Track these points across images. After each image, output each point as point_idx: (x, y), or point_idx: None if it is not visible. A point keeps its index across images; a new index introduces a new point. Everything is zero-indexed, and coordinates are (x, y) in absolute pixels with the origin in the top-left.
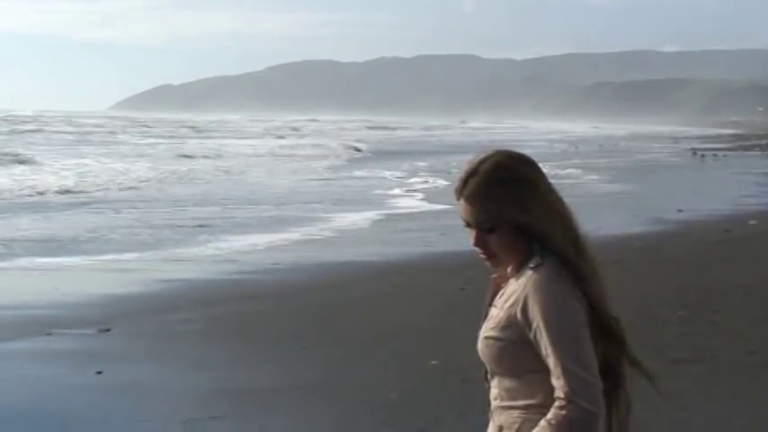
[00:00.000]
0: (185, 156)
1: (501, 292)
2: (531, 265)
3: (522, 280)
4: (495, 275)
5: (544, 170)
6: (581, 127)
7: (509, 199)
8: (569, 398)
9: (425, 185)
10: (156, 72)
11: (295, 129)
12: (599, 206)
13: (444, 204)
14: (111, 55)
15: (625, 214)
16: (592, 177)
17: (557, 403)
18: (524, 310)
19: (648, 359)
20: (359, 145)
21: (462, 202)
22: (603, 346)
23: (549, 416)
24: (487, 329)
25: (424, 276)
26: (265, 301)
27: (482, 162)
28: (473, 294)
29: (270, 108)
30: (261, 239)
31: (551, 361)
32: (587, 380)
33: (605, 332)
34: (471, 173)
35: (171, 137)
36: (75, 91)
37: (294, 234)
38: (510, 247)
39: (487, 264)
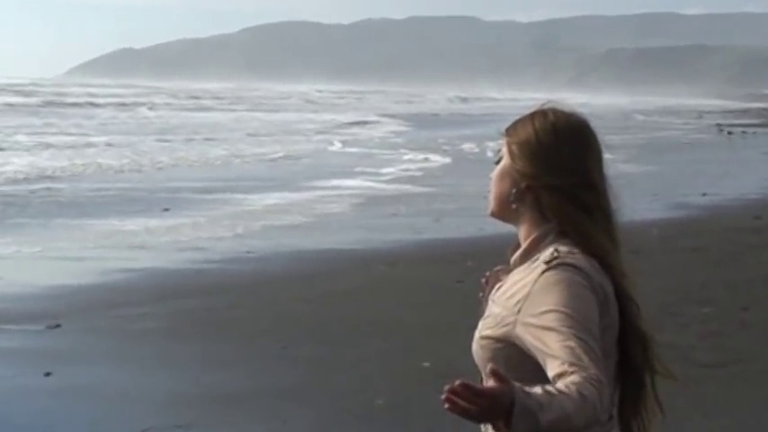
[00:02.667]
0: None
1: (500, 285)
2: (546, 260)
3: (531, 276)
4: (497, 268)
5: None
6: (593, 99)
7: (527, 141)
8: (578, 366)
9: (416, 164)
10: (116, 34)
11: (310, 101)
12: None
13: (437, 186)
14: (62, 14)
15: (643, 198)
16: (605, 156)
17: (560, 371)
18: (528, 307)
19: (669, 362)
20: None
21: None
22: (629, 346)
23: (551, 387)
24: (484, 328)
25: (416, 267)
26: (236, 294)
27: (541, 111)
28: (471, 288)
29: (247, 76)
30: (231, 223)
31: (548, 344)
32: (595, 358)
33: (632, 330)
34: (528, 118)
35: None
36: (20, 56)
37: (268, 218)
38: (501, 195)
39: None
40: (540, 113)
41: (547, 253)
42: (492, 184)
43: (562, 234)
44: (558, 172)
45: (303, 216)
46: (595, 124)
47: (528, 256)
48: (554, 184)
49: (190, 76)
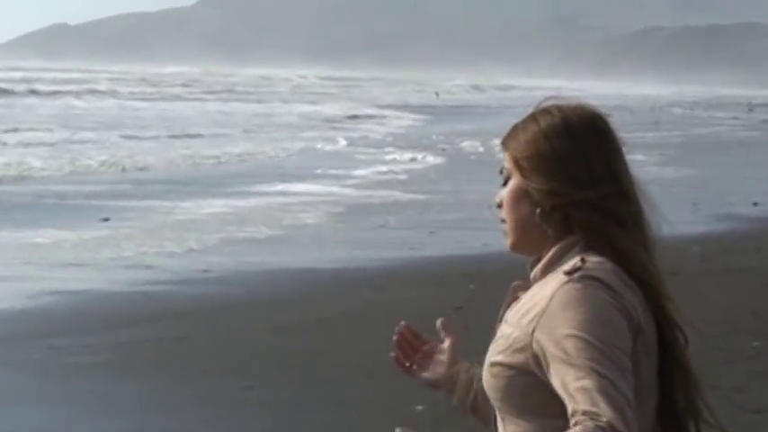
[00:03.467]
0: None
1: (515, 303)
2: (566, 269)
3: (549, 288)
4: (516, 283)
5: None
6: (622, 88)
7: (538, 151)
8: (591, 414)
9: (405, 165)
10: (47, 8)
11: (297, 88)
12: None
13: (432, 192)
14: None
15: (682, 208)
16: (636, 158)
17: (572, 421)
18: (543, 326)
19: (714, 407)
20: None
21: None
22: (672, 386)
23: None
24: (494, 353)
25: (408, 290)
26: (191, 322)
27: (547, 110)
28: (473, 316)
29: (207, 57)
30: (185, 235)
31: (565, 382)
32: (618, 401)
33: (677, 366)
34: (532, 117)
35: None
36: None
37: (228, 230)
38: (521, 220)
39: (506, 241)
40: (544, 113)
41: (571, 263)
42: (505, 212)
43: (591, 246)
44: (586, 182)
45: (270, 228)
46: (625, 120)
47: (550, 268)
48: (584, 198)
49: (138, 58)
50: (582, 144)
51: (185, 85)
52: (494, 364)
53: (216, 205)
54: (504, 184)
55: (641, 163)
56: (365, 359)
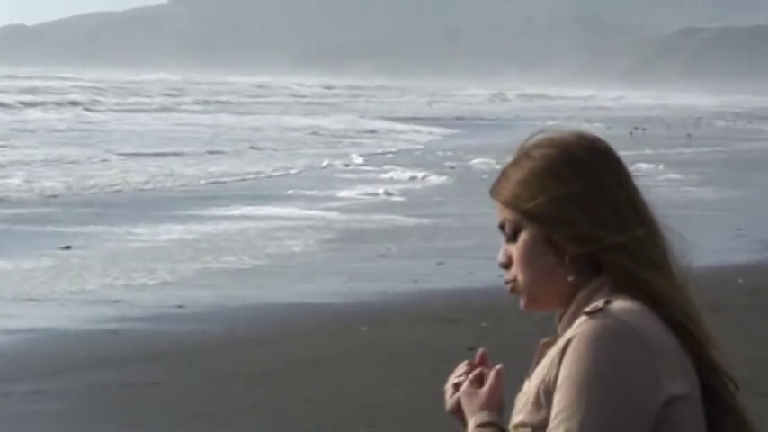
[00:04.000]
0: None
1: (542, 361)
2: (588, 309)
3: (568, 333)
4: (544, 340)
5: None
6: (657, 98)
7: (552, 195)
8: None
9: (406, 184)
10: (1, 7)
11: (298, 98)
12: (683, 222)
13: (438, 216)
14: None
15: (723, 235)
16: (671, 177)
17: None
18: (556, 375)
19: None
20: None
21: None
22: None
23: None
24: (517, 412)
25: (413, 328)
26: (164, 364)
27: (534, 143)
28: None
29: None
30: (156, 265)
31: None
32: None
33: (731, 418)
34: (519, 156)
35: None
36: None
37: (206, 259)
38: (544, 273)
39: (520, 300)
40: (539, 150)
41: (593, 304)
42: (519, 269)
43: (621, 288)
44: (614, 223)
45: (254, 257)
46: (659, 134)
47: (577, 315)
48: (617, 243)
49: (103, 64)
50: (596, 179)
51: (169, 95)
52: (517, 426)
53: (192, 231)
54: (512, 238)
55: (677, 183)
56: (365, 408)
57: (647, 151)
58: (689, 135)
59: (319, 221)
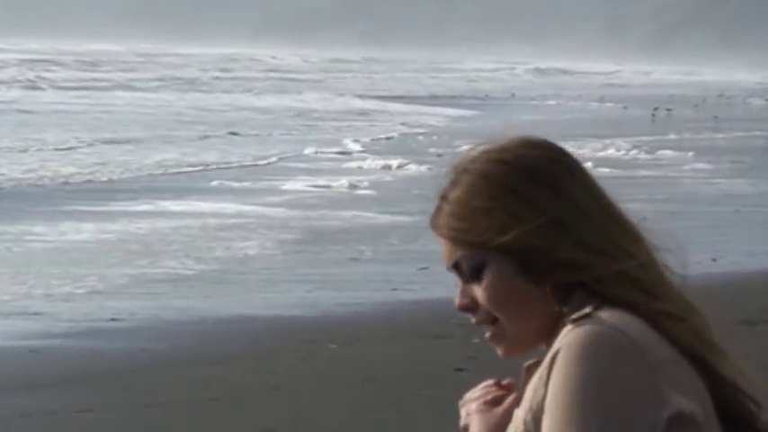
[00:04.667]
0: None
1: (528, 386)
2: (574, 317)
3: (555, 347)
4: (528, 363)
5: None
6: (682, 73)
7: (523, 220)
8: None
9: (379, 175)
10: None
11: (276, 72)
12: (713, 220)
13: (419, 213)
14: None
15: (761, 234)
16: (699, 167)
17: None
18: (546, 390)
19: None
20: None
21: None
22: None
23: None
24: None
25: (391, 347)
26: (96, 388)
27: (474, 159)
28: (479, 378)
29: (126, 31)
30: (83, 271)
31: None
32: None
33: None
34: (456, 175)
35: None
36: None
37: (141, 263)
38: (525, 309)
39: (494, 344)
40: (489, 164)
41: (580, 311)
42: (496, 309)
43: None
44: (600, 243)
45: (199, 261)
46: (685, 116)
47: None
48: (608, 271)
49: (29, 31)
50: (562, 191)
51: (121, 70)
52: None
53: (125, 230)
54: (474, 278)
55: (707, 174)
56: None
57: (672, 136)
58: (716, 117)
59: (277, 219)
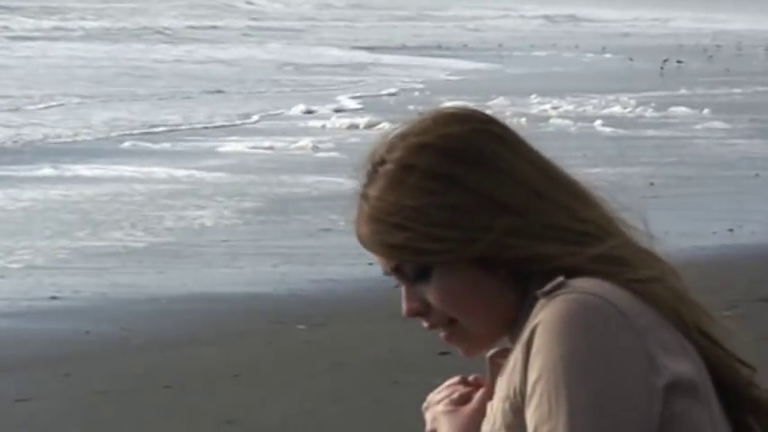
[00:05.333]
0: None
1: (501, 374)
2: (545, 290)
3: (530, 323)
4: (492, 353)
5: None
6: (701, 20)
7: (459, 209)
8: None
9: (346, 136)
10: None
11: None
12: (730, 186)
13: None
14: None
15: None
16: (714, 126)
17: None
18: (527, 374)
19: None
20: None
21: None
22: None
23: None
24: None
25: (366, 327)
26: (32, 376)
27: (391, 146)
28: (464, 365)
29: None
30: (19, 244)
31: None
32: None
33: (749, 405)
34: (373, 168)
35: None
36: None
37: (85, 234)
38: (483, 301)
39: (453, 344)
40: (410, 149)
41: (551, 283)
42: (450, 312)
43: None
44: (554, 218)
45: (150, 232)
46: (696, 70)
47: (515, 325)
48: (593, 255)
49: None
50: (502, 164)
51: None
52: None
53: (58, 197)
54: (420, 279)
55: (723, 134)
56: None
57: (683, 91)
58: (727, 70)
59: (237, 184)
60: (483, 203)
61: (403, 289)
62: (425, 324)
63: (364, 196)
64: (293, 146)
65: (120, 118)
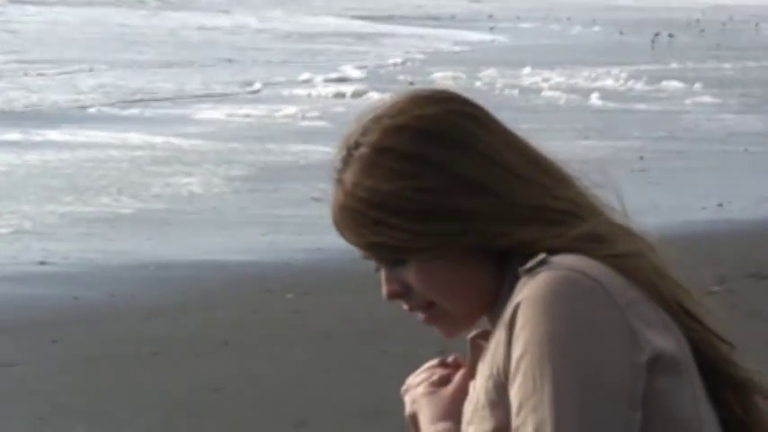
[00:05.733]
0: None
1: (483, 355)
2: (527, 267)
3: (513, 299)
4: (473, 334)
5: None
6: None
7: (435, 192)
8: None
9: (332, 104)
10: None
11: None
12: (719, 161)
13: None
14: None
15: None
16: (704, 101)
17: None
18: (510, 351)
19: None
20: None
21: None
22: (727, 405)
23: None
24: (466, 425)
25: (358, 297)
26: (20, 341)
27: (365, 129)
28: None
29: None
30: (6, 207)
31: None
32: None
33: (727, 382)
34: (347, 153)
35: None
36: None
37: (71, 199)
38: (458, 284)
39: (432, 325)
40: (385, 133)
41: (532, 261)
42: (430, 295)
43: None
44: (534, 199)
45: (137, 198)
46: (689, 43)
47: (495, 305)
48: (574, 236)
49: None
50: (476, 145)
51: None
52: None
53: (42, 161)
54: (399, 262)
55: (713, 109)
56: (291, 401)
57: (674, 65)
58: (718, 45)
59: (226, 151)
60: (461, 184)
61: (382, 272)
62: (405, 306)
63: (340, 182)
64: (278, 113)
65: (107, 84)
